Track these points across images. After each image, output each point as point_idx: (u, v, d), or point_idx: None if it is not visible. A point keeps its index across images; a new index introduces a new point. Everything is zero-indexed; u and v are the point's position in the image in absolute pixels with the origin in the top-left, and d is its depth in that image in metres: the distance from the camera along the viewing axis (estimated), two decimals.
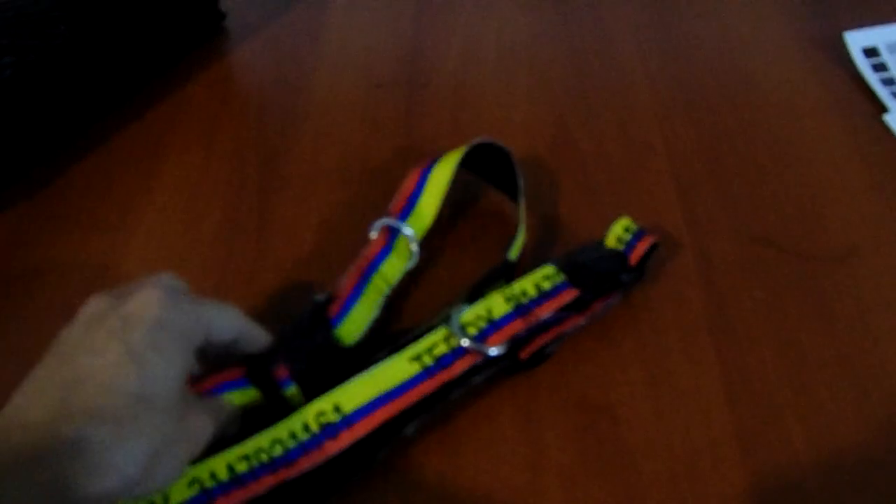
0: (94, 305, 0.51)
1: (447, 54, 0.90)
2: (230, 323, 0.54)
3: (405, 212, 0.69)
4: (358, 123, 0.83)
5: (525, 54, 0.90)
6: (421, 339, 0.58)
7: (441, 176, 0.69)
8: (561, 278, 0.62)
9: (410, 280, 0.69)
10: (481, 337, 0.59)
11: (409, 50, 0.91)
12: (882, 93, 0.82)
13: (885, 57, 0.85)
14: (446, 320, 0.59)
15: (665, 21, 0.94)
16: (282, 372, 0.57)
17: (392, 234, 0.68)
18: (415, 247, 0.67)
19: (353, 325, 0.63)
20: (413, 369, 0.57)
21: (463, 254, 0.71)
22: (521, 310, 0.60)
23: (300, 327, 0.61)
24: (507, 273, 0.65)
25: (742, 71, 0.87)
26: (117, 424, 0.44)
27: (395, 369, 0.57)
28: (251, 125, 0.84)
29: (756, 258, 0.69)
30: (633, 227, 0.66)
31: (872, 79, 0.83)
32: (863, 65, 0.85)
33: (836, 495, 0.55)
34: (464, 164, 0.71)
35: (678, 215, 0.72)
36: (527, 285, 0.61)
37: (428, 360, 0.57)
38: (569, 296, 0.61)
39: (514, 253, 0.66)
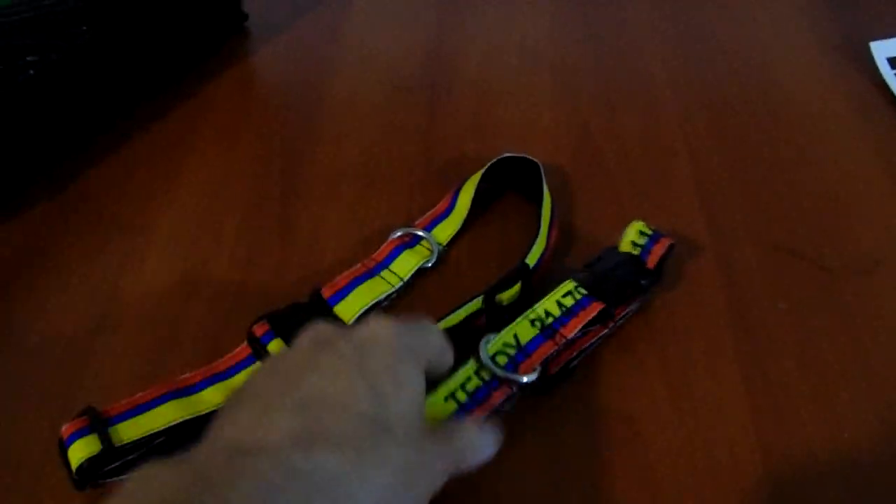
0: (319, 331, 0.49)
1: (469, 57, 0.90)
2: (439, 343, 0.52)
3: (431, 225, 0.71)
4: (379, 126, 0.83)
5: (548, 58, 0.90)
6: (453, 375, 0.57)
7: (467, 193, 0.71)
8: (581, 293, 0.61)
9: (427, 279, 0.69)
10: (512, 365, 0.58)
11: (431, 52, 0.91)
12: None
13: None
14: (474, 353, 0.58)
15: (689, 26, 0.93)
16: (259, 329, 0.59)
17: (413, 238, 0.70)
18: (435, 248, 0.69)
19: (351, 305, 0.65)
20: (449, 408, 0.56)
21: (483, 256, 0.71)
22: (547, 332, 0.59)
23: (297, 305, 0.65)
24: (525, 277, 0.65)
25: (766, 77, 0.86)
26: (358, 453, 0.42)
27: (432, 410, 0.55)
28: (273, 126, 0.84)
29: (779, 267, 0.69)
30: (648, 230, 0.66)
31: None
32: (888, 74, 0.84)
33: None
34: (486, 177, 0.72)
35: (701, 221, 0.72)
36: (549, 305, 0.61)
37: (462, 397, 0.56)
38: (593, 310, 0.60)
39: (532, 258, 0.66)
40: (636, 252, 0.65)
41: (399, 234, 0.70)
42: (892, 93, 0.83)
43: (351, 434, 0.42)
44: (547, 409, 0.60)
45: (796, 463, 0.57)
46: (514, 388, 0.58)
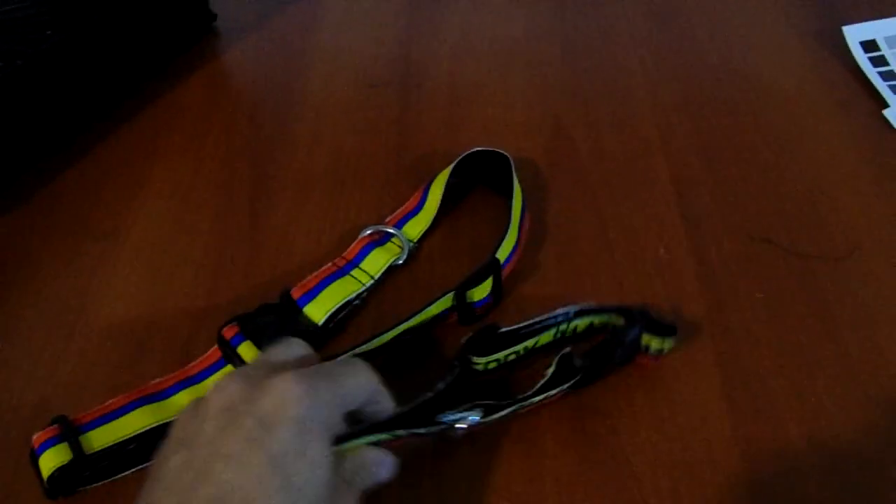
0: (225, 394, 0.48)
1: (441, 53, 0.90)
2: (362, 384, 0.51)
3: (402, 222, 0.71)
4: (350, 124, 0.82)
5: (520, 52, 0.89)
6: (413, 429, 0.55)
7: (437, 188, 0.71)
8: (563, 391, 0.59)
9: (398, 276, 0.69)
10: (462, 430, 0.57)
11: (402, 49, 0.91)
12: (882, 87, 0.81)
13: (885, 51, 0.84)
14: (450, 424, 0.56)
15: (662, 17, 0.93)
16: (229, 331, 0.59)
17: (384, 236, 0.69)
18: (406, 245, 0.69)
19: (321, 305, 0.64)
20: (383, 438, 0.55)
21: (454, 251, 0.71)
22: (514, 413, 0.58)
23: (267, 306, 0.64)
24: (496, 271, 0.64)
25: (740, 66, 0.86)
26: None
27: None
28: (243, 127, 0.83)
29: (755, 257, 0.68)
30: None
31: (872, 73, 0.82)
32: (862, 59, 0.84)
33: (836, 498, 0.54)
34: (456, 172, 0.71)
35: (676, 214, 0.71)
36: (539, 397, 0.58)
37: (400, 433, 0.55)
38: (557, 396, 0.59)
39: (502, 253, 0.66)
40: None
41: (369, 231, 0.70)
42: (865, 76, 0.82)
43: None
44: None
45: (774, 455, 0.56)
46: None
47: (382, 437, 0.54)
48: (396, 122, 0.82)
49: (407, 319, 0.62)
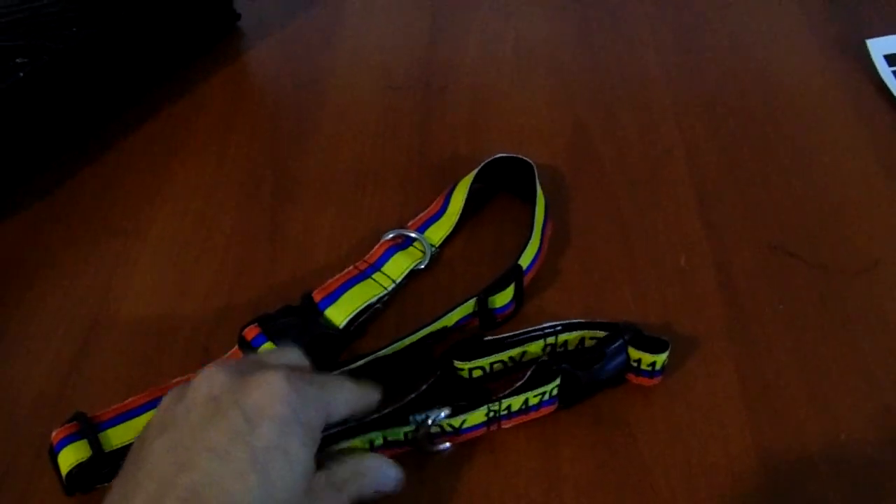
0: (213, 383, 0.48)
1: (464, 56, 0.90)
2: (347, 397, 0.52)
3: (424, 227, 0.71)
4: (373, 126, 0.82)
5: (543, 57, 0.89)
6: (388, 430, 0.56)
7: (460, 194, 0.71)
8: (553, 395, 0.59)
9: (420, 280, 0.69)
10: (438, 437, 0.58)
11: (425, 52, 0.91)
12: None
13: None
14: (420, 422, 0.56)
15: (685, 25, 0.93)
16: (250, 332, 0.59)
17: (406, 240, 0.69)
18: (428, 249, 0.69)
19: (342, 308, 0.64)
20: (360, 447, 0.56)
21: (476, 257, 0.71)
22: (491, 421, 0.58)
23: (288, 308, 0.64)
24: (518, 278, 0.64)
25: (763, 76, 0.86)
26: None
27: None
28: (265, 127, 0.83)
29: (776, 268, 0.68)
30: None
31: (894, 85, 0.82)
32: (885, 72, 0.84)
33: None
34: (479, 178, 0.71)
35: (698, 222, 0.71)
36: (517, 402, 0.57)
37: (378, 442, 0.56)
38: (545, 411, 0.59)
39: (525, 259, 0.66)
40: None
41: (391, 235, 0.70)
42: (889, 90, 0.82)
43: None
44: (542, 415, 0.60)
45: (792, 464, 0.56)
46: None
47: (356, 442, 0.55)
48: (418, 125, 0.82)
49: (428, 324, 0.62)
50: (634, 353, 0.59)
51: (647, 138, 0.79)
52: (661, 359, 0.59)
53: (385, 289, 0.66)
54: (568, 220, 0.72)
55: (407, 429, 0.56)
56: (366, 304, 0.65)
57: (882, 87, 0.83)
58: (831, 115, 0.81)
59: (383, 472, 0.53)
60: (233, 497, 0.44)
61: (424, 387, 0.59)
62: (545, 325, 0.62)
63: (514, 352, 0.61)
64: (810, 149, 0.78)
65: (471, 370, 0.60)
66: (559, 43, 0.91)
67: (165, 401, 0.49)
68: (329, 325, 0.64)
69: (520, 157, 0.72)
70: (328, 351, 0.63)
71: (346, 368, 0.59)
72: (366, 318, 0.65)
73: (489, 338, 0.61)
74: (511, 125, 0.82)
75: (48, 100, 0.78)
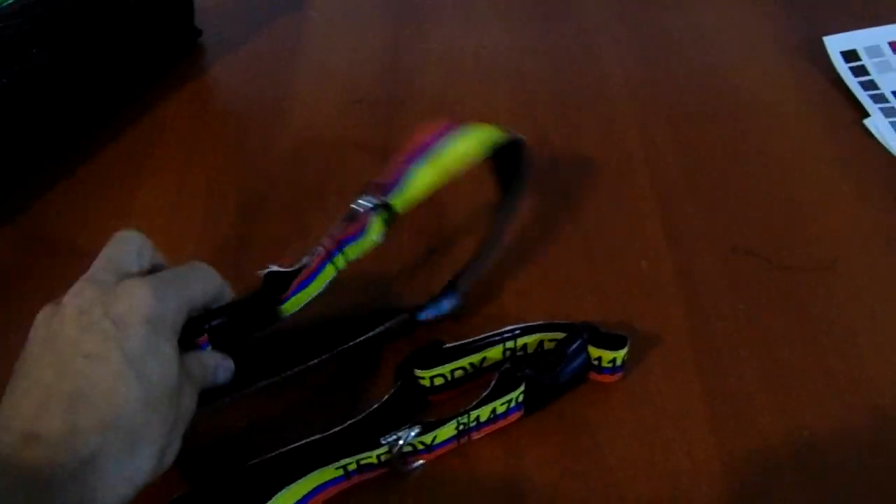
0: (82, 299, 0.51)
1: (426, 69, 0.90)
2: (205, 285, 0.55)
3: (392, 186, 0.62)
4: (337, 140, 0.83)
5: (505, 66, 0.90)
6: (360, 455, 0.56)
7: (457, 152, 0.64)
8: (519, 402, 0.59)
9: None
10: (411, 457, 0.58)
11: (388, 65, 0.91)
12: (862, 97, 0.82)
13: (865, 60, 0.85)
14: (393, 443, 0.56)
15: (644, 30, 0.93)
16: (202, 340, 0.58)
17: (372, 211, 0.62)
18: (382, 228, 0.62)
19: (297, 301, 0.61)
20: (334, 474, 0.56)
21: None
22: (461, 434, 0.58)
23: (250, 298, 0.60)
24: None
25: (722, 78, 0.87)
26: (129, 435, 0.46)
27: (318, 477, 0.56)
28: (229, 143, 0.83)
29: (737, 268, 0.69)
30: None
31: (853, 83, 0.83)
32: (843, 69, 0.85)
33: None
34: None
35: (658, 227, 0.72)
36: (485, 413, 0.58)
37: (352, 467, 0.56)
38: (512, 419, 0.59)
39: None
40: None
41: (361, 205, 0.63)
42: (846, 86, 0.83)
43: (121, 420, 0.46)
44: (510, 422, 0.60)
45: (756, 465, 0.57)
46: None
47: (333, 471, 0.56)
48: (382, 138, 0.83)
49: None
50: (594, 352, 0.60)
51: (609, 144, 0.80)
52: (620, 354, 0.60)
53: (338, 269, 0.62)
54: (529, 228, 0.73)
55: (379, 451, 0.56)
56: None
57: (839, 83, 0.84)
58: (791, 115, 0.82)
59: (221, 366, 0.56)
60: (113, 395, 0.47)
61: (386, 397, 0.60)
62: (503, 329, 0.62)
63: (475, 358, 0.61)
64: (770, 149, 0.79)
65: (432, 378, 0.60)
66: (520, 54, 0.92)
67: (39, 317, 0.52)
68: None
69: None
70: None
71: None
72: None
73: (448, 345, 0.62)
74: None
75: (8, 122, 0.77)
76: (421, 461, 0.58)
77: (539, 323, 0.63)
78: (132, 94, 0.88)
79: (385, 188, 0.62)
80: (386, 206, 0.61)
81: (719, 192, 0.75)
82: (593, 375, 0.62)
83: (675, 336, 0.64)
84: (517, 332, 0.62)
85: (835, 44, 0.87)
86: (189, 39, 0.95)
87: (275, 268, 0.60)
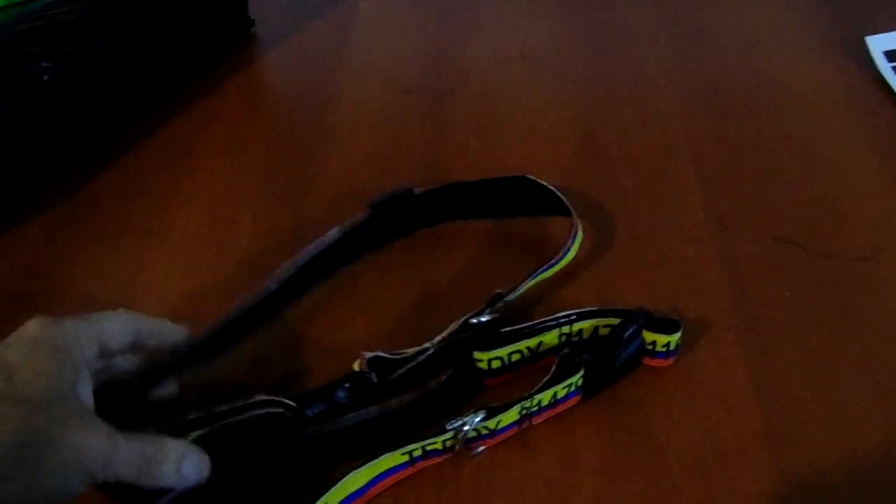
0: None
1: (472, 61, 0.92)
2: (121, 325, 0.55)
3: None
4: (385, 129, 0.84)
5: (548, 60, 0.92)
6: (426, 441, 0.56)
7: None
8: (578, 386, 0.60)
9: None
10: (474, 441, 0.58)
11: (434, 57, 0.93)
12: None
13: None
14: (458, 429, 0.57)
15: (686, 26, 0.95)
16: None
17: None
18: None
19: None
20: (400, 460, 0.57)
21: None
22: (523, 419, 0.59)
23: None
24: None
25: (764, 74, 0.88)
26: None
27: (384, 462, 0.56)
28: (280, 131, 0.85)
29: (780, 257, 0.70)
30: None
31: (894, 81, 0.84)
32: (885, 68, 0.86)
33: (860, 493, 0.56)
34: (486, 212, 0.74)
35: (702, 216, 0.73)
36: (547, 396, 0.59)
37: (417, 453, 0.57)
38: (571, 403, 0.60)
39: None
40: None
41: None
42: (889, 85, 0.84)
43: None
44: (568, 407, 0.61)
45: (800, 448, 0.58)
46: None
47: (399, 457, 0.56)
48: (430, 128, 0.84)
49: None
50: (649, 336, 0.61)
51: (652, 136, 0.82)
52: (674, 339, 0.61)
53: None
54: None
55: (445, 437, 0.57)
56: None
57: (882, 82, 0.85)
58: (832, 111, 0.83)
59: (180, 466, 0.52)
60: None
61: (444, 378, 0.61)
62: (559, 314, 0.63)
63: (531, 342, 0.62)
64: (812, 143, 0.80)
65: (489, 361, 0.61)
66: (563, 45, 0.93)
67: None
68: None
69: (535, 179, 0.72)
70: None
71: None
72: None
73: (506, 329, 0.63)
74: (520, 127, 0.84)
75: (69, 104, 0.80)
76: (483, 447, 0.59)
77: (594, 308, 0.64)
78: (187, 80, 0.91)
79: None
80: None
81: (761, 183, 0.76)
82: (647, 360, 0.63)
83: (721, 320, 0.65)
84: (573, 317, 0.63)
85: (877, 43, 0.88)
86: (242, 29, 0.97)
87: (382, 354, 0.62)
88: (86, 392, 0.51)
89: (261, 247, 0.74)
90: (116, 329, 0.55)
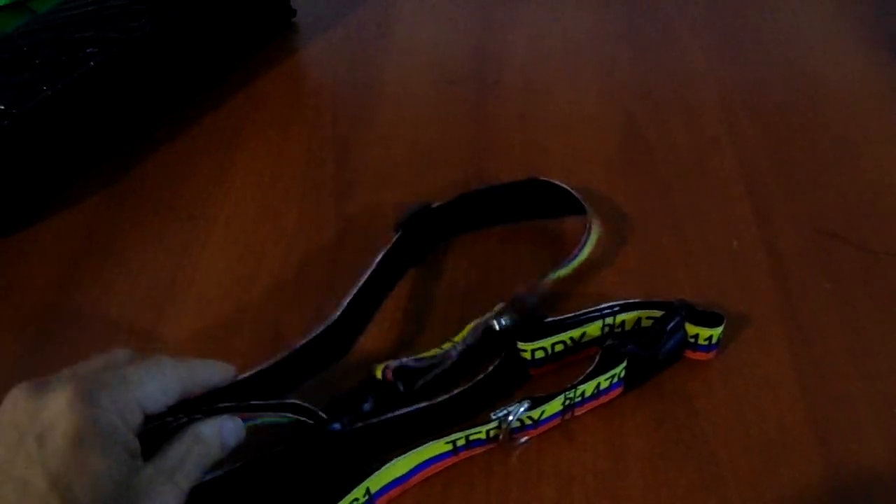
0: (15, 407, 0.47)
1: (515, 51, 0.92)
2: (163, 385, 0.50)
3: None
4: (428, 119, 0.85)
5: (590, 51, 0.92)
6: (470, 430, 0.57)
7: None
8: (620, 378, 0.60)
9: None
10: (518, 431, 0.59)
11: (476, 46, 0.93)
12: None
13: None
14: (503, 419, 0.57)
15: (728, 19, 0.95)
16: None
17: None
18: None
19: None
20: (443, 448, 0.57)
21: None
22: (566, 409, 0.59)
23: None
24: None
25: (805, 68, 0.88)
26: None
27: (428, 451, 0.57)
28: (324, 119, 0.86)
29: (823, 250, 0.70)
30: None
31: None
32: None
33: None
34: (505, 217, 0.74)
35: (747, 209, 0.74)
36: (591, 387, 0.59)
37: (461, 442, 0.57)
38: (613, 395, 0.61)
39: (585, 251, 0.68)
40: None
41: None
42: None
43: None
44: (611, 398, 0.62)
45: (846, 440, 0.58)
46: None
47: (443, 446, 0.57)
48: (473, 118, 0.85)
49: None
50: (691, 329, 0.61)
51: (695, 129, 0.82)
52: (717, 332, 0.61)
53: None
54: (622, 209, 0.75)
55: (489, 426, 0.57)
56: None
57: None
58: (873, 105, 0.83)
59: (221, 434, 0.51)
60: None
61: (491, 368, 0.61)
62: (603, 305, 0.63)
63: (574, 333, 0.62)
64: (854, 138, 0.80)
65: (533, 351, 0.62)
66: (605, 37, 0.93)
67: None
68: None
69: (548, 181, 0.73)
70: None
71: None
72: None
73: (550, 319, 0.63)
74: (563, 118, 0.84)
75: (115, 90, 0.81)
76: (527, 437, 0.59)
77: (637, 300, 0.64)
78: (230, 68, 0.92)
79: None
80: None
81: (803, 177, 0.76)
82: (689, 353, 0.63)
83: (765, 312, 0.66)
84: (616, 308, 0.63)
85: None
86: (284, 18, 0.98)
87: (405, 362, 0.62)
88: (139, 462, 0.48)
89: (306, 236, 0.74)
90: (159, 392, 0.49)
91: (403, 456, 0.55)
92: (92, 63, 0.76)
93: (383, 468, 0.55)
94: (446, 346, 0.63)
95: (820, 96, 0.85)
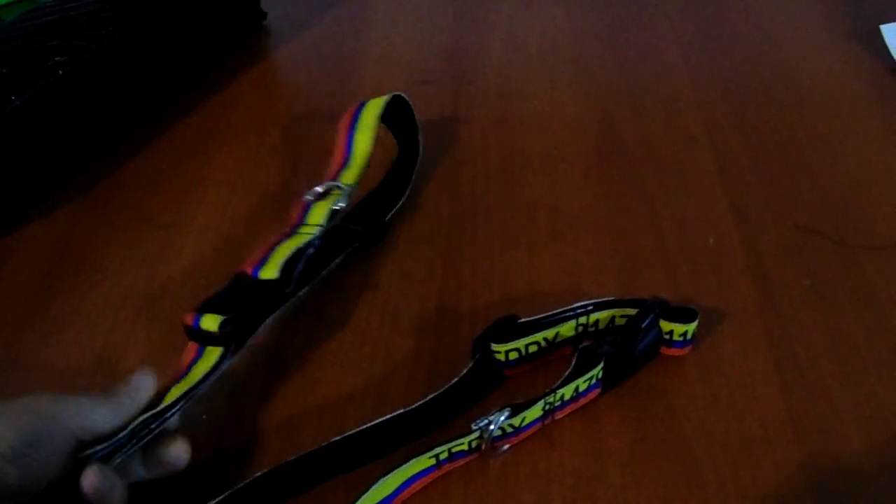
0: None
1: (490, 50, 0.92)
2: (104, 420, 0.53)
3: (340, 169, 0.72)
4: None
5: (567, 49, 0.92)
6: (451, 442, 0.56)
7: (363, 135, 0.74)
8: (598, 378, 0.60)
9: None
10: (499, 439, 0.58)
11: (451, 46, 0.93)
12: None
13: None
14: (484, 428, 0.56)
15: (704, 15, 0.95)
16: (188, 318, 0.59)
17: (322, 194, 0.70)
18: (345, 190, 0.70)
19: (272, 263, 0.64)
20: (427, 464, 0.56)
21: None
22: (546, 414, 0.59)
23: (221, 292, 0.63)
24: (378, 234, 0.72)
25: (781, 64, 0.88)
26: None
27: (412, 468, 0.56)
28: (297, 122, 0.85)
29: (802, 247, 0.70)
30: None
31: None
32: None
33: (888, 480, 0.56)
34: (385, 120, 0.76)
35: (724, 205, 0.73)
36: (568, 391, 0.58)
37: (444, 456, 0.57)
38: (592, 396, 0.60)
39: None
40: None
41: (307, 196, 0.70)
42: None
43: None
44: (589, 400, 0.61)
45: (826, 436, 0.58)
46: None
47: (426, 461, 0.56)
48: (448, 118, 0.85)
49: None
50: (666, 326, 0.61)
51: (672, 125, 0.82)
52: (691, 328, 0.61)
53: (312, 235, 0.66)
54: (598, 206, 0.74)
55: (471, 437, 0.57)
56: (295, 251, 0.65)
57: None
58: (849, 100, 0.83)
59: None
60: None
61: (465, 371, 0.61)
62: (576, 305, 0.63)
63: (548, 333, 0.62)
64: (830, 132, 0.80)
65: (507, 352, 0.61)
66: (581, 36, 0.93)
67: None
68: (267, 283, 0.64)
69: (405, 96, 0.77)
70: (267, 305, 0.64)
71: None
72: (307, 270, 0.66)
73: (523, 320, 0.63)
74: (539, 117, 0.84)
75: (85, 98, 0.80)
76: (507, 445, 0.58)
77: (611, 299, 0.64)
78: (201, 73, 0.91)
79: (334, 176, 0.71)
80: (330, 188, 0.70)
81: (780, 172, 0.76)
82: (664, 349, 0.63)
83: (743, 309, 0.66)
84: (590, 307, 0.63)
85: (891, 32, 0.88)
86: (255, 21, 0.97)
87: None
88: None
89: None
90: (99, 419, 0.53)
91: (389, 475, 0.55)
92: (61, 72, 0.76)
93: (370, 489, 0.54)
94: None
95: (796, 91, 0.85)
